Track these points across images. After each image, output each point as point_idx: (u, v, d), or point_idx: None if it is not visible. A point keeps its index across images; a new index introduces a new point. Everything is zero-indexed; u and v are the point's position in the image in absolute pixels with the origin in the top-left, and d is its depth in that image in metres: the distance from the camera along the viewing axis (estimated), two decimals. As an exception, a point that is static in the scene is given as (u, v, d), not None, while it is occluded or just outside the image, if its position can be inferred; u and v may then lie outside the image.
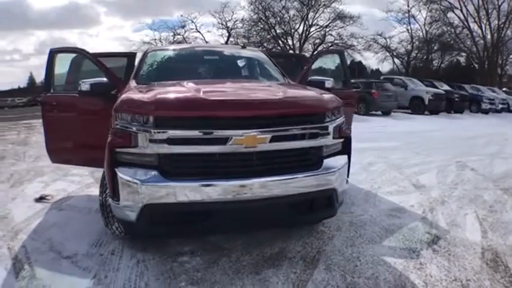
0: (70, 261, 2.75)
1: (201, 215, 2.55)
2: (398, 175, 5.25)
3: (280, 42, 29.44)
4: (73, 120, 3.75)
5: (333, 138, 2.77)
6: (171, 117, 2.47)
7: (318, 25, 29.72)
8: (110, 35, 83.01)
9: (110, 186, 2.63)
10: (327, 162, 2.73)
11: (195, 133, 2.43)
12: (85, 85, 3.30)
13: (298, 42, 29.90)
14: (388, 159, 6.34)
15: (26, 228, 3.35)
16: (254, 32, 28.62)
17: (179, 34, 26.96)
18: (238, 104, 2.57)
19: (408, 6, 33.73)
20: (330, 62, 4.90)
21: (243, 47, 4.36)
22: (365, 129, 10.30)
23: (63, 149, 3.85)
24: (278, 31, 29.26)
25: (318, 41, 29.77)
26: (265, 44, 28.74)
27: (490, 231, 3.23)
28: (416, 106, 17.63)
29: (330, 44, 29.62)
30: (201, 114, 2.49)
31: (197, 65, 3.95)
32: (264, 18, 28.76)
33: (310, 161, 2.70)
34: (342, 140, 2.90)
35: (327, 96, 2.97)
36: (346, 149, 2.95)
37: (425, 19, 34.63)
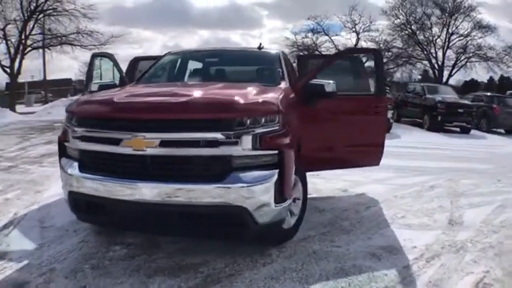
0: (42, 229, 3.30)
1: (110, 210, 2.66)
2: (447, 205, 4.15)
3: (422, 49, 26.50)
4: None
5: (252, 149, 2.44)
6: (83, 117, 2.74)
7: (458, 34, 25.86)
8: (271, 36, 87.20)
9: (61, 173, 3.04)
10: (237, 176, 2.43)
11: (96, 133, 2.63)
12: (94, 86, 3.82)
13: (440, 50, 26.42)
14: (457, 185, 5.09)
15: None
16: (398, 38, 26.44)
17: (307, 37, 26.96)
18: (134, 108, 2.57)
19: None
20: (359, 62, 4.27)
21: (259, 48, 4.20)
22: (466, 147, 8.49)
23: None
24: (420, 37, 26.37)
25: (460, 50, 25.84)
26: (409, 50, 26.35)
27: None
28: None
29: (471, 54, 25.41)
30: (100, 115, 2.67)
31: (195, 68, 4.06)
32: (406, 23, 26.37)
33: (211, 171, 2.46)
34: (270, 152, 2.51)
35: (254, 101, 2.63)
36: (280, 164, 2.53)
37: None
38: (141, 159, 2.49)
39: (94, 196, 2.62)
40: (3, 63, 20.28)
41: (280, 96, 2.82)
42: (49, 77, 31.25)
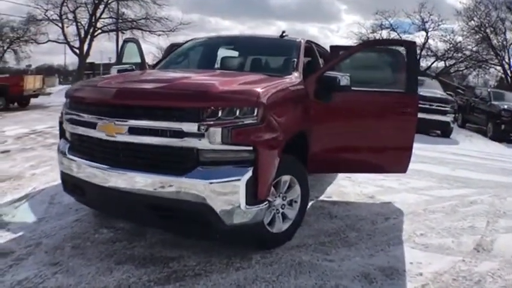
0: (49, 205, 3.49)
1: (89, 193, 2.66)
2: (481, 226, 3.52)
3: (495, 54, 23.65)
4: None
5: (222, 142, 2.23)
6: (71, 101, 2.79)
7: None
8: (348, 31, 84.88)
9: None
10: (202, 171, 2.25)
11: (78, 116, 2.65)
12: (114, 70, 3.90)
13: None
14: (501, 203, 4.33)
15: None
16: (472, 40, 24.01)
17: (375, 32, 25.44)
18: (108, 93, 2.49)
19: None
20: (392, 56, 3.76)
21: (281, 36, 3.92)
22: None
23: None
24: (493, 41, 23.51)
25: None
26: (483, 54, 23.84)
27: None
28: None
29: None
30: (82, 99, 2.67)
31: (208, 55, 3.93)
32: (480, 26, 23.74)
33: (177, 164, 2.31)
34: (243, 148, 2.28)
35: (230, 90, 2.40)
36: (255, 161, 2.29)
37: None
38: (113, 145, 2.45)
39: (76, 178, 2.66)
40: (72, 44, 21.97)
41: (271, 87, 2.55)
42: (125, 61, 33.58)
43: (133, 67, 3.94)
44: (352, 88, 3.04)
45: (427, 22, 24.44)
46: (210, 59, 3.92)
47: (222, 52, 4.01)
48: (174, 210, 2.37)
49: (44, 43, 23.45)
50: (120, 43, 23.72)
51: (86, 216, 3.23)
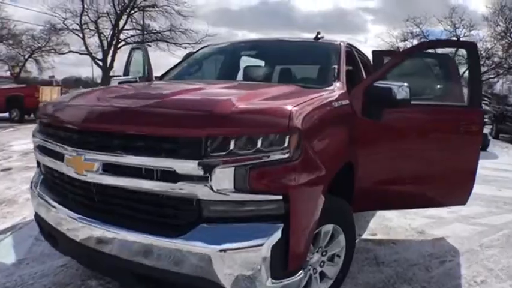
0: (35, 241, 2.90)
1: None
2: None
3: None
4: None
5: (236, 189, 1.50)
6: (40, 121, 2.19)
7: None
8: (377, 42, 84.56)
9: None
10: (207, 230, 1.54)
11: (45, 142, 2.03)
12: (114, 82, 3.37)
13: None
14: None
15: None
16: (499, 46, 22.96)
17: (406, 40, 24.65)
18: (78, 114, 1.82)
19: None
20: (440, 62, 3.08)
21: (317, 38, 3.26)
22: None
23: None
24: None
25: None
26: (510, 60, 22.71)
27: None
28: None
29: None
30: (50, 121, 2.05)
31: (228, 64, 3.29)
32: (506, 31, 22.65)
33: (169, 218, 1.64)
34: (270, 197, 1.55)
35: (248, 110, 1.62)
36: (287, 216, 1.57)
37: None
38: (85, 186, 1.78)
39: (45, 221, 2.03)
40: (94, 55, 21.57)
41: (307, 103, 1.83)
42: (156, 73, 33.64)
43: (137, 79, 3.39)
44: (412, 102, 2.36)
45: (458, 28, 23.56)
46: (230, 69, 3.26)
47: (245, 59, 3.33)
48: (166, 285, 1.67)
49: (65, 53, 23.52)
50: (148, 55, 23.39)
51: (74, 262, 2.64)
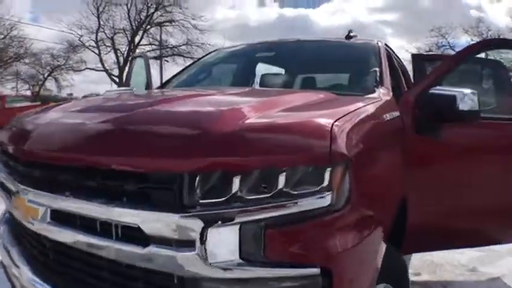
0: None
1: None
2: None
3: None
4: None
5: (244, 261, 0.91)
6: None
7: None
8: (400, 54, 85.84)
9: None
10: None
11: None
12: (109, 94, 2.89)
13: None
14: None
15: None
16: None
17: (431, 51, 23.93)
18: (26, 137, 1.27)
19: None
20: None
21: (348, 37, 2.66)
22: None
23: None
24: None
25: None
26: None
27: None
28: None
29: None
30: (3, 143, 1.49)
31: (242, 69, 2.70)
32: None
33: None
34: (300, 272, 0.92)
35: (258, 126, 1.02)
36: None
37: None
38: (36, 237, 1.25)
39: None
40: (110, 71, 21.76)
41: (352, 117, 1.19)
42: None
43: (134, 89, 2.88)
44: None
45: (485, 38, 22.76)
46: (245, 74, 2.67)
47: (262, 64, 2.73)
48: None
49: (82, 70, 23.81)
50: (164, 71, 23.35)
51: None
